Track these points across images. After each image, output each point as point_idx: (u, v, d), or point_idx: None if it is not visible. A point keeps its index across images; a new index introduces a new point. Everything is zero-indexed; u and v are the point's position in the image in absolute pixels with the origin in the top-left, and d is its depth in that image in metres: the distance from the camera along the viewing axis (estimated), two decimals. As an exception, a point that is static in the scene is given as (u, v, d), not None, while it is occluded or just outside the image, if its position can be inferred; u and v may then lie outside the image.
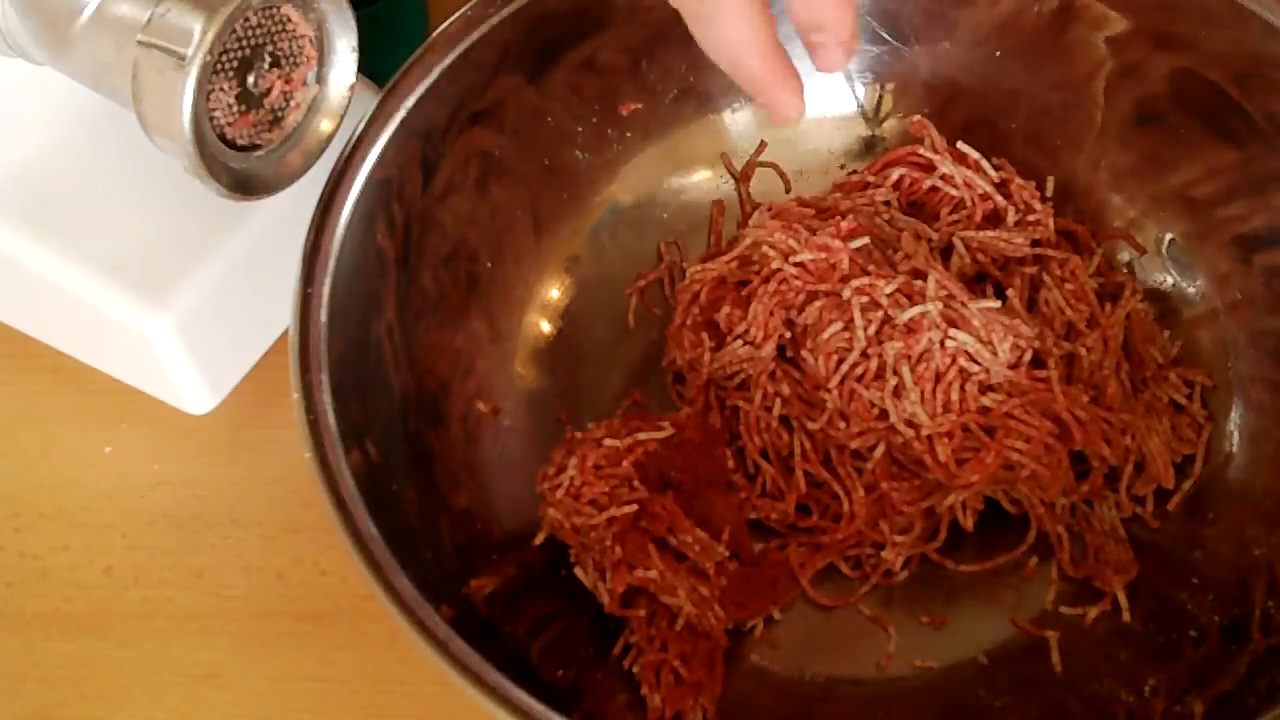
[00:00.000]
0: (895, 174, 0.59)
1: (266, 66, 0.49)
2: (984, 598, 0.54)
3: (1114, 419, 0.54)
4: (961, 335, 0.52)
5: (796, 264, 0.55)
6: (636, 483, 0.52)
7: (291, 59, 0.50)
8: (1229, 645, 0.50)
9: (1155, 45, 0.57)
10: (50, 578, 0.59)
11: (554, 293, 0.60)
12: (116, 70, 0.47)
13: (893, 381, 0.53)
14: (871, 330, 0.53)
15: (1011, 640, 0.53)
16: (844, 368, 0.53)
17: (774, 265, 0.55)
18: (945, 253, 0.58)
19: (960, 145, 0.59)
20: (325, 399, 0.49)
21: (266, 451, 0.61)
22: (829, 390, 0.53)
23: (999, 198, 0.58)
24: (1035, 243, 0.58)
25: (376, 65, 0.55)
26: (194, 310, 0.57)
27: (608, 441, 0.53)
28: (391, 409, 0.53)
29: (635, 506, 0.52)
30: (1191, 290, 0.58)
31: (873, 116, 0.63)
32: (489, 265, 0.58)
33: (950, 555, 0.54)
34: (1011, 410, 0.52)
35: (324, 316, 0.50)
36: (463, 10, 0.56)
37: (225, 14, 0.46)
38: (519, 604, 0.52)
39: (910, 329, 0.53)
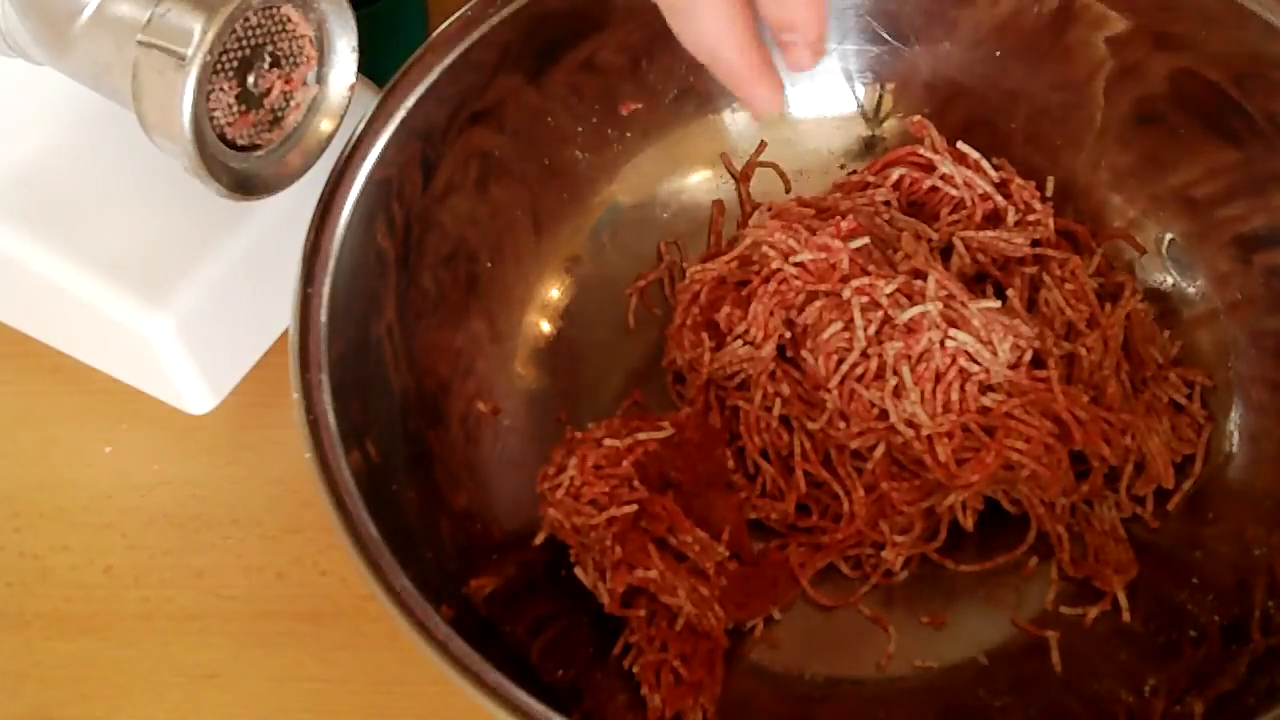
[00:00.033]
0: (895, 174, 0.59)
1: (266, 66, 0.49)
2: (984, 598, 0.54)
3: (1114, 419, 0.54)
4: (961, 335, 0.52)
5: (796, 264, 0.55)
6: (636, 483, 0.52)
7: (291, 59, 0.50)
8: (1229, 645, 0.50)
9: (1155, 45, 0.57)
10: (50, 578, 0.59)
11: (554, 293, 0.60)
12: (116, 70, 0.47)
13: (893, 381, 0.53)
14: (871, 330, 0.53)
15: (1011, 640, 0.53)
16: (844, 368, 0.53)
17: (774, 265, 0.55)
18: (945, 253, 0.58)
19: (960, 145, 0.59)
20: (325, 399, 0.49)
21: (266, 451, 0.61)
22: (829, 390, 0.53)
23: (999, 198, 0.58)
24: (1035, 243, 0.58)
25: (376, 65, 0.55)
26: (194, 310, 0.57)
27: (608, 441, 0.53)
28: (391, 409, 0.53)
29: (635, 506, 0.52)
30: (1191, 290, 0.58)
31: (873, 116, 0.63)
32: (489, 265, 0.58)
33: (950, 555, 0.54)
34: (1011, 410, 0.52)
35: (324, 316, 0.50)
36: (463, 10, 0.56)
37: (225, 14, 0.46)
38: (519, 604, 0.52)
39: (910, 329, 0.53)
